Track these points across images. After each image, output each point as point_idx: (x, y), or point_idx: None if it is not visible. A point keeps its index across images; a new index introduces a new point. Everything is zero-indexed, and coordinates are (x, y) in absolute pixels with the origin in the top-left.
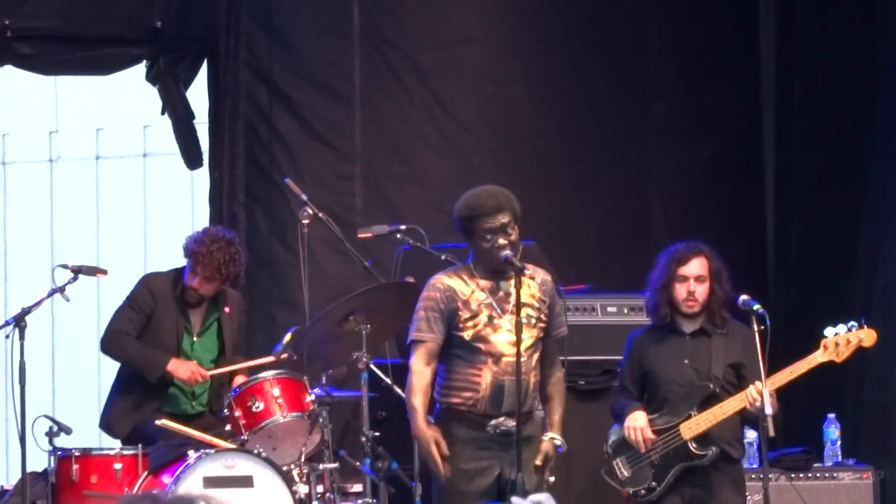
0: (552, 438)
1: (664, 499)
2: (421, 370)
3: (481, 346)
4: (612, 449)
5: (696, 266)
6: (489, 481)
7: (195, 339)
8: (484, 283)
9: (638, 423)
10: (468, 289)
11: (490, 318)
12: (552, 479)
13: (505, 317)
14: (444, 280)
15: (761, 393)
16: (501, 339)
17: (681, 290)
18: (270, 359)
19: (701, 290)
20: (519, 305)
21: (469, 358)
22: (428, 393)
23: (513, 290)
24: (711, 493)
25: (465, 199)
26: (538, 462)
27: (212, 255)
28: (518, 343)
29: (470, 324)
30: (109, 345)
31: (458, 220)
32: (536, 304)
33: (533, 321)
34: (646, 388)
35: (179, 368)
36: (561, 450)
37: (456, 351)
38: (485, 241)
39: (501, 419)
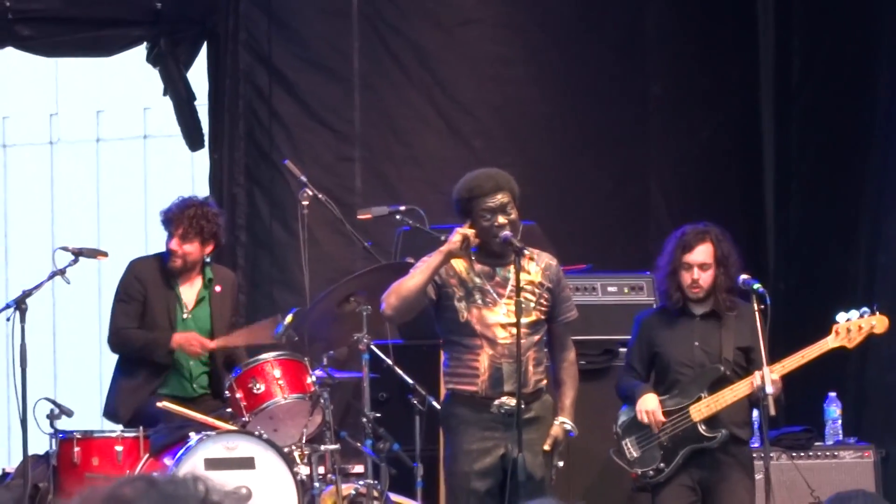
0: (563, 423)
1: (673, 480)
2: None
3: (476, 329)
4: (622, 429)
5: (700, 253)
6: (493, 461)
7: (187, 315)
8: (480, 268)
9: (650, 405)
10: (465, 268)
11: (485, 302)
12: (561, 463)
13: (501, 301)
14: None
15: (763, 372)
16: (495, 321)
17: (686, 277)
18: (266, 326)
19: (705, 277)
20: (519, 287)
21: (466, 343)
22: None
23: (510, 276)
24: (720, 475)
25: (464, 181)
26: (547, 447)
27: (182, 213)
28: (518, 326)
29: (463, 304)
30: (115, 344)
31: (456, 203)
32: (535, 289)
33: (531, 305)
34: (654, 369)
35: (184, 340)
36: (572, 434)
37: (454, 337)
38: (484, 220)
39: (504, 398)
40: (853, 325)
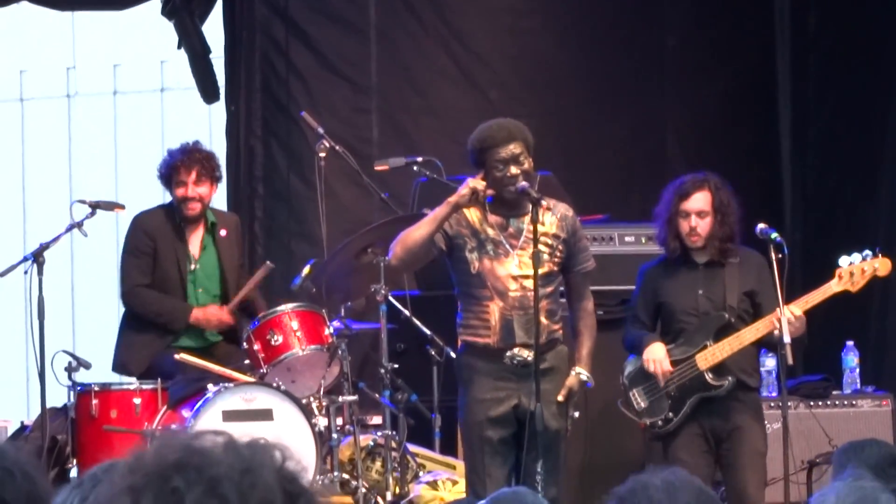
0: (579, 373)
1: (681, 429)
2: None
3: (487, 281)
4: (629, 380)
5: (697, 201)
6: (505, 410)
7: (195, 266)
8: (494, 219)
9: (657, 354)
10: (479, 219)
11: (497, 253)
12: (576, 413)
13: (513, 252)
14: None
15: (780, 321)
16: (506, 273)
17: (683, 225)
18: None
19: (703, 225)
20: (536, 237)
21: (477, 295)
22: None
23: (524, 227)
24: (729, 422)
25: (477, 131)
26: (561, 397)
27: (190, 157)
28: (535, 277)
29: (475, 255)
30: (129, 300)
31: (471, 153)
32: (549, 241)
33: (545, 256)
34: (659, 319)
35: (202, 317)
36: (589, 385)
37: (465, 289)
38: (497, 170)
39: (517, 349)
40: (856, 269)
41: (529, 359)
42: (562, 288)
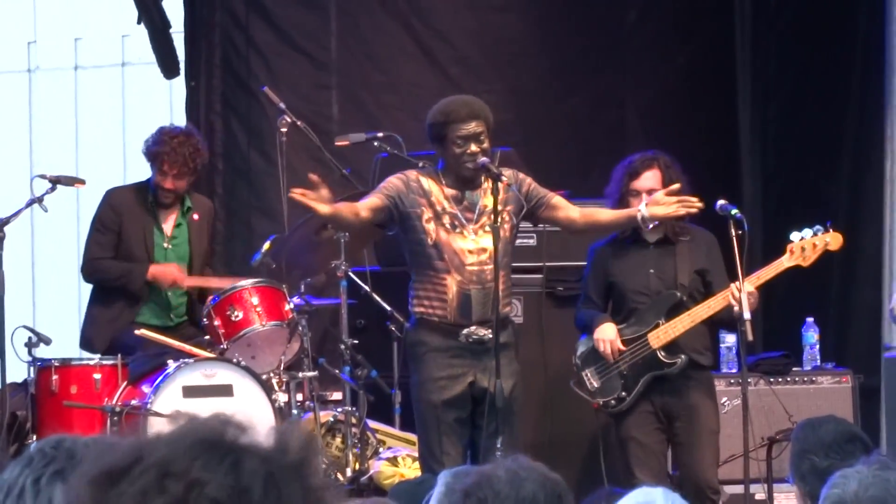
0: (640, 210)
1: (634, 408)
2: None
3: (444, 253)
4: (581, 360)
5: (647, 179)
6: (462, 389)
7: (167, 245)
8: (450, 191)
9: (607, 334)
10: (437, 189)
11: (453, 226)
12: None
13: (469, 226)
14: (418, 174)
15: (740, 298)
16: (463, 247)
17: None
18: (246, 281)
19: None
20: (496, 212)
21: (434, 266)
22: (352, 209)
23: (478, 201)
24: (681, 400)
25: (439, 105)
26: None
27: (176, 152)
28: (496, 253)
29: (431, 226)
30: (89, 273)
31: (430, 127)
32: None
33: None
34: (610, 299)
35: (160, 272)
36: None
37: (420, 259)
38: (457, 146)
39: (473, 328)
40: (807, 244)
41: (485, 337)
42: (514, 264)
